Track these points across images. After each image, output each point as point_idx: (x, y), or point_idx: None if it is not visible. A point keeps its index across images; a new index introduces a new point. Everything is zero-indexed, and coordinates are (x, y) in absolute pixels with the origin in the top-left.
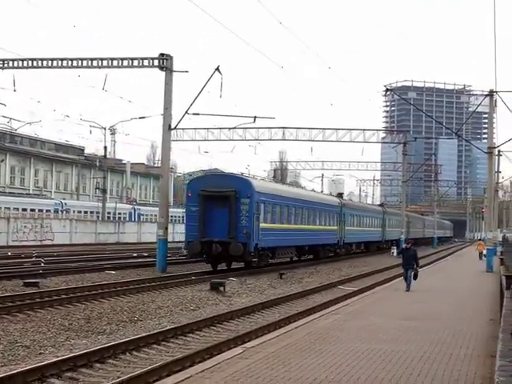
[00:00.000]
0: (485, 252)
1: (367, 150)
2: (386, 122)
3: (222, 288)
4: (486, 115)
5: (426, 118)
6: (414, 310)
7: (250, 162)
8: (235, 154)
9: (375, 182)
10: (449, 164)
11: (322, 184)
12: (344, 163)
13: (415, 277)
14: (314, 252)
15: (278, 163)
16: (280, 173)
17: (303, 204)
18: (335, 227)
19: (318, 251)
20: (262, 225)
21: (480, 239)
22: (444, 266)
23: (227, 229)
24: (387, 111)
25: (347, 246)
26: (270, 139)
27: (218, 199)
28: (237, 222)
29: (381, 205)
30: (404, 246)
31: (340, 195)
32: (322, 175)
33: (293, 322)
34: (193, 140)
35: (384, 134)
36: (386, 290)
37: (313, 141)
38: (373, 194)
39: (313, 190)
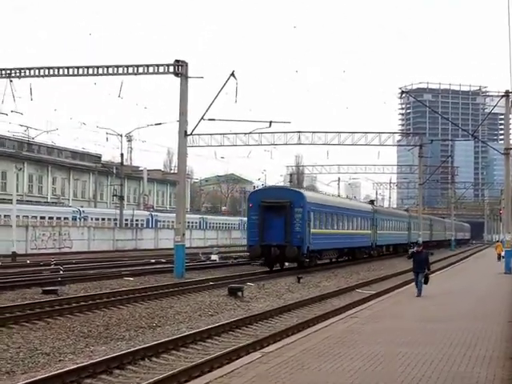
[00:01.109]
0: (503, 254)
1: (383, 153)
2: (402, 125)
3: (240, 293)
4: (503, 116)
5: (441, 120)
6: (432, 312)
7: (266, 166)
8: (251, 159)
9: (391, 185)
10: (465, 166)
11: (339, 188)
12: (360, 166)
13: (426, 281)
14: (351, 254)
15: (294, 167)
16: (296, 177)
17: (343, 211)
18: (369, 231)
19: (354, 253)
20: (313, 230)
21: (498, 241)
22: (462, 268)
23: (283, 234)
24: (403, 114)
25: (379, 248)
26: (286, 143)
27: (275, 209)
28: (292, 228)
29: (406, 210)
30: (415, 249)
31: (372, 202)
32: (339, 179)
33: (311, 325)
34: (209, 146)
35: (400, 137)
36: (405, 293)
37: (328, 144)
38: (389, 197)
39: (348, 198)
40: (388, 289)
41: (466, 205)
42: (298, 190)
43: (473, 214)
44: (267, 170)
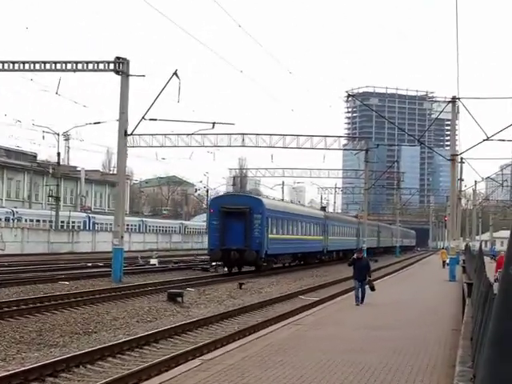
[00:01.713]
0: (448, 261)
1: (329, 157)
2: (348, 129)
3: (179, 299)
4: (449, 122)
5: (388, 125)
6: (375, 320)
7: (208, 168)
8: (193, 161)
9: (337, 189)
10: (411, 171)
11: (283, 192)
12: (305, 170)
13: (372, 288)
14: (303, 258)
15: (237, 170)
16: (240, 180)
17: (298, 217)
18: (320, 237)
19: (306, 258)
20: (270, 235)
21: (443, 248)
22: (407, 275)
23: (243, 239)
24: (349, 117)
25: (329, 254)
26: (229, 145)
27: (235, 214)
28: (251, 233)
29: (356, 216)
30: (355, 255)
31: (323, 208)
32: (283, 183)
33: (252, 332)
34: (150, 146)
35: (346, 141)
36: (349, 299)
37: (273, 147)
38: (334, 202)
39: (301, 204)
40: (333, 295)
41: (412, 211)
42: (257, 196)
43: (418, 221)
44: (210, 173)
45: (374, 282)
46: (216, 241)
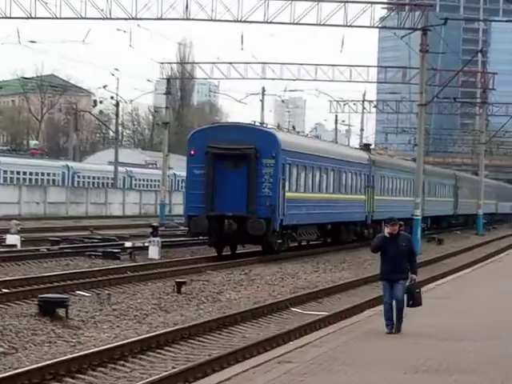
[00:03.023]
0: None
1: (351, 42)
2: None
3: (62, 312)
4: None
5: None
6: (426, 358)
7: (120, 64)
8: (90, 49)
9: (366, 104)
10: (510, 72)
11: (263, 109)
12: (307, 67)
13: (414, 301)
14: (335, 233)
15: (175, 66)
16: (180, 85)
17: (330, 163)
18: (362, 196)
19: (340, 231)
20: (288, 194)
21: None
22: (491, 272)
23: (245, 200)
24: None
25: (376, 226)
26: (160, 18)
27: (231, 159)
28: (257, 190)
29: (414, 159)
30: (385, 230)
31: (367, 147)
32: (263, 90)
33: (198, 379)
34: (6, 17)
35: (385, 12)
36: (380, 317)
37: (244, 21)
38: (361, 130)
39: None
40: (352, 307)
41: (510, 148)
42: (267, 129)
43: None
44: (122, 71)
45: (425, 287)
46: (199, 202)
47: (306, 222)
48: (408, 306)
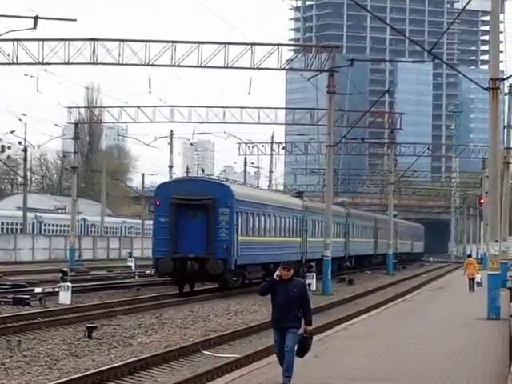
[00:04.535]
0: (478, 278)
1: (259, 84)
2: (297, 30)
3: None
4: (487, 18)
5: (371, 22)
6: None
7: (26, 109)
8: None
9: (275, 146)
10: (417, 112)
11: (171, 151)
12: (215, 109)
13: (302, 349)
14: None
15: (82, 110)
16: (88, 129)
17: (272, 210)
18: (298, 239)
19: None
20: (241, 238)
21: (469, 255)
22: (407, 310)
23: (205, 243)
24: (297, 8)
25: (309, 264)
26: (67, 63)
27: (192, 208)
28: (215, 235)
29: (342, 203)
30: (277, 273)
31: (299, 195)
32: (172, 133)
33: None
34: None
35: (292, 54)
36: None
37: (152, 65)
38: (270, 170)
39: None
40: (264, 349)
41: (417, 187)
42: (223, 182)
43: (429, 206)
44: (29, 116)
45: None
46: (165, 246)
47: (254, 262)
48: (296, 354)
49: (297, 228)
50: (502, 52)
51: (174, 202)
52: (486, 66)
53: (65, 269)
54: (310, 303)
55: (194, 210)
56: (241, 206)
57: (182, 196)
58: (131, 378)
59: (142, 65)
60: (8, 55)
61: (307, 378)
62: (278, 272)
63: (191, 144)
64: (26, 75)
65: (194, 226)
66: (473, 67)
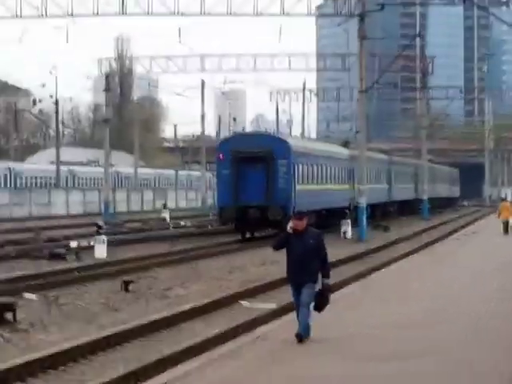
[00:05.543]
0: None
1: (290, 31)
2: None
3: (9, 315)
4: None
5: None
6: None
7: (57, 60)
8: (27, 46)
9: (307, 93)
10: (448, 55)
11: (203, 101)
12: (245, 57)
13: (319, 305)
14: (328, 217)
15: (113, 61)
16: (118, 79)
17: (325, 161)
18: (347, 186)
19: (331, 216)
20: (299, 187)
21: (503, 199)
22: (439, 256)
23: (265, 192)
24: None
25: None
26: (97, 13)
27: (253, 161)
28: (275, 184)
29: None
30: (289, 224)
31: (346, 145)
32: (203, 83)
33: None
34: None
35: (322, 0)
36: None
37: (181, 14)
38: (302, 118)
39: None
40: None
41: (451, 132)
42: (280, 137)
43: (463, 150)
44: (60, 68)
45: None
46: (228, 196)
47: (312, 208)
48: (314, 309)
49: (345, 176)
50: None
51: (236, 155)
52: None
53: (100, 222)
54: (327, 255)
55: (254, 162)
56: (297, 157)
57: (244, 149)
58: (169, 331)
59: (172, 14)
60: (37, 8)
61: (348, 327)
62: (290, 223)
63: (222, 93)
64: (55, 28)
65: (255, 177)
66: (504, 8)
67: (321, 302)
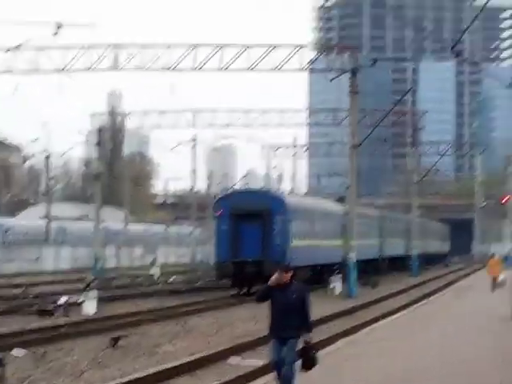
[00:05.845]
0: (502, 277)
1: (281, 87)
2: (320, 31)
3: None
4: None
5: (393, 22)
6: None
7: (50, 115)
8: (21, 101)
9: (298, 148)
10: (439, 110)
11: (194, 156)
12: (237, 114)
13: (308, 363)
14: (321, 273)
15: (106, 116)
16: (111, 135)
17: (320, 217)
18: (340, 242)
19: (324, 271)
20: (294, 243)
21: (493, 255)
22: (428, 313)
23: (261, 248)
24: (321, 7)
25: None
26: (90, 68)
27: (250, 218)
28: (271, 240)
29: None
30: (274, 277)
31: (341, 200)
32: (195, 138)
33: None
34: None
35: (314, 54)
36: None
37: (173, 69)
38: (293, 173)
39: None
40: None
41: (440, 186)
42: (277, 194)
43: (452, 205)
44: (52, 122)
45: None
46: (226, 251)
47: (305, 264)
48: (302, 367)
49: (340, 232)
50: None
51: (234, 212)
52: (506, 64)
53: (89, 278)
54: (309, 310)
55: (252, 218)
56: (293, 214)
57: (241, 206)
58: None
59: (164, 69)
60: (30, 62)
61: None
62: (273, 277)
63: (214, 149)
64: (48, 83)
65: (252, 233)
66: (495, 64)
67: (306, 360)
